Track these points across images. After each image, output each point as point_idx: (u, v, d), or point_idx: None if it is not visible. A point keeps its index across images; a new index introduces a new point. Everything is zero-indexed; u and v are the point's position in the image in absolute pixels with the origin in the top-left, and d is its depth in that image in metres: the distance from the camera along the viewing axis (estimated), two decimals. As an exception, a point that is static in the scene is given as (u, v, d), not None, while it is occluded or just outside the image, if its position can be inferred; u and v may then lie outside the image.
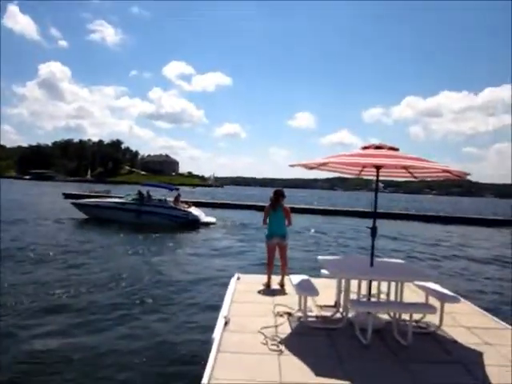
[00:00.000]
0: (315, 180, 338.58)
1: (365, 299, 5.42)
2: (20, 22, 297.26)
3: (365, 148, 5.23)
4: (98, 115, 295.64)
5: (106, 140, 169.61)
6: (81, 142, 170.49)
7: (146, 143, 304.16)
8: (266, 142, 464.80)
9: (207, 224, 22.63)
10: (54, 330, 6.63)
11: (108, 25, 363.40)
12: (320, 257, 5.95)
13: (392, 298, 5.33)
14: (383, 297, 5.60)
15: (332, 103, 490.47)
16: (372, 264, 5.35)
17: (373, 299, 5.50)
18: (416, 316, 4.90)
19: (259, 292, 6.56)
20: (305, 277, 5.86)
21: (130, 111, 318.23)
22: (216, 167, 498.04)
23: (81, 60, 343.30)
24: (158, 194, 23.06)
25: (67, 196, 33.75)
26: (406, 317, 4.83)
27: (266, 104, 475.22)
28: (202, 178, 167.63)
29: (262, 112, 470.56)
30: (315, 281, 5.96)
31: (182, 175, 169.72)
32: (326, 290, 5.94)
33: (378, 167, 5.41)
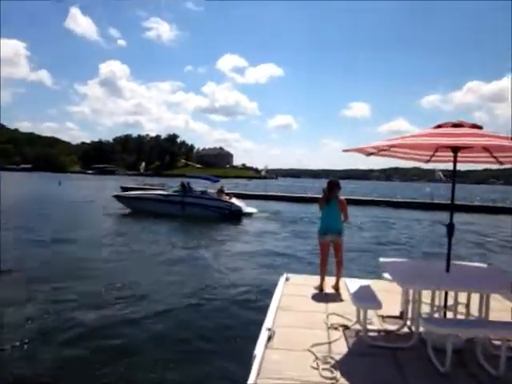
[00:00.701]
0: (371, 171, 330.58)
1: (438, 314, 4.49)
2: (81, 23, 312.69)
3: (438, 127, 4.22)
4: (155, 111, 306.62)
5: (163, 135, 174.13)
6: (139, 136, 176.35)
7: (202, 137, 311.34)
8: (319, 132, 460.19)
9: (249, 214, 22.60)
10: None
11: (163, 22, 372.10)
12: (382, 259, 5.08)
13: (474, 311, 4.36)
14: (462, 309, 4.59)
15: (387, 91, 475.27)
16: (448, 269, 4.37)
17: (449, 313, 4.53)
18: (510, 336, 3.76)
19: (311, 297, 5.74)
20: (363, 282, 5.06)
21: (185, 106, 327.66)
22: (269, 159, 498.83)
23: (138, 57, 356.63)
24: (200, 185, 22.99)
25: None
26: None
27: (318, 94, 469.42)
28: (256, 170, 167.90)
29: (314, 102, 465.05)
30: (376, 284, 5.16)
31: (235, 167, 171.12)
32: (389, 296, 5.05)
33: (455, 150, 4.35)
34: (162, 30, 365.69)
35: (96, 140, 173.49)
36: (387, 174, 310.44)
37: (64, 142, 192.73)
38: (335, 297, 5.75)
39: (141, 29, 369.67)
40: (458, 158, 4.44)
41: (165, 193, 22.96)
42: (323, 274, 6.04)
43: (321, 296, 5.78)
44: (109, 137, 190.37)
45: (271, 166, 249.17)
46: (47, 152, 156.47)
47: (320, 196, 6.19)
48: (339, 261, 6.06)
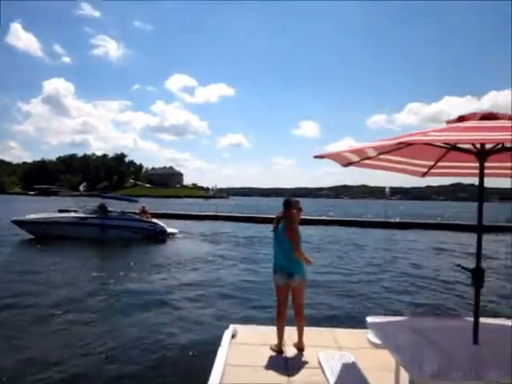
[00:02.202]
0: (320, 189, 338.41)
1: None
2: (23, 39, 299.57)
3: (461, 119, 3.01)
4: (103, 129, 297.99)
5: (111, 154, 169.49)
6: (85, 156, 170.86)
7: (151, 156, 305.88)
8: (270, 151, 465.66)
9: (172, 235, 21.77)
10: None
11: (110, 39, 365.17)
12: (370, 318, 3.49)
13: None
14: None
15: (335, 111, 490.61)
16: (476, 340, 2.85)
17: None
18: None
19: (266, 364, 4.27)
20: (344, 355, 3.97)
21: (133, 124, 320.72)
22: (220, 178, 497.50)
23: (84, 75, 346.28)
24: (117, 207, 21.90)
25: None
26: None
27: (268, 114, 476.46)
28: (207, 189, 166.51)
29: (265, 122, 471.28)
30: (364, 356, 4.17)
31: (186, 187, 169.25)
32: (383, 376, 3.67)
33: (483, 154, 2.98)
34: (109, 47, 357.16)
35: (39, 159, 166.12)
36: (337, 192, 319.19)
37: (4, 161, 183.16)
38: (299, 361, 4.37)
39: (87, 46, 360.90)
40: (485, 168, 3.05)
41: (81, 215, 20.67)
42: (280, 329, 4.57)
43: (279, 361, 4.37)
44: (54, 156, 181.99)
45: (223, 185, 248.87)
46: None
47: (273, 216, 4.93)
48: (298, 311, 4.63)
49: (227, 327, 5.09)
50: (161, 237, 20.90)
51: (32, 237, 19.94)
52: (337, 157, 3.54)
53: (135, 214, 21.93)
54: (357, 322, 6.14)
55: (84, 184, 22.50)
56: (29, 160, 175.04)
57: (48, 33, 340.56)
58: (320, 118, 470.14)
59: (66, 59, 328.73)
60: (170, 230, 21.79)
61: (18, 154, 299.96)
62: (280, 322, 4.59)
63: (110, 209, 21.04)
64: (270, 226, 4.80)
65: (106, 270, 12.57)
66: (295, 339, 4.66)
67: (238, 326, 5.21)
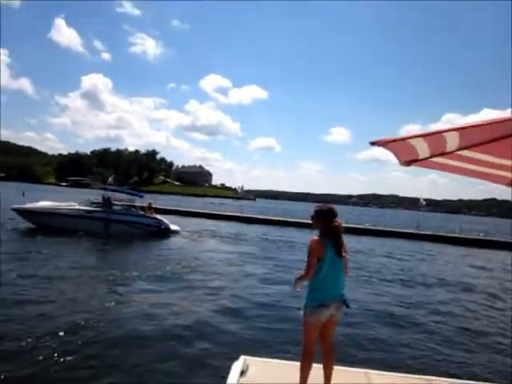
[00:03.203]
0: (349, 196, 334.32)
1: None
2: (65, 34, 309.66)
3: None
4: (137, 126, 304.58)
5: (143, 150, 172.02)
6: (118, 151, 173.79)
7: (182, 154, 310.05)
8: (299, 156, 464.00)
9: (176, 232, 21.40)
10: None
11: (149, 38, 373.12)
12: None
13: None
14: None
15: (368, 119, 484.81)
16: None
17: None
18: None
19: None
20: None
21: (167, 123, 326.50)
22: (250, 180, 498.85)
23: (122, 72, 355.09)
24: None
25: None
26: None
27: (300, 118, 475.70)
28: (235, 190, 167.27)
29: (296, 126, 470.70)
30: None
31: (215, 187, 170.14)
32: None
33: None
34: (147, 45, 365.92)
35: (73, 152, 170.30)
36: (365, 201, 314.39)
37: (41, 152, 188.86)
38: None
39: (126, 43, 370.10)
40: None
41: (86, 208, 19.92)
42: (305, 373, 3.58)
43: None
44: (89, 150, 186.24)
45: (251, 187, 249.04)
46: (22, 162, 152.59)
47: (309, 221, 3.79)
48: (331, 348, 3.74)
49: (235, 357, 4.27)
50: (165, 233, 20.68)
51: (33, 226, 19.16)
52: (400, 147, 2.51)
53: (141, 208, 21.65)
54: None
55: (112, 177, 22.36)
56: (64, 152, 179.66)
57: (89, 29, 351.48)
58: (352, 125, 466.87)
59: (106, 55, 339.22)
60: (173, 227, 21.58)
61: (54, 146, 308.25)
62: (306, 366, 3.59)
63: (115, 202, 20.67)
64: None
65: (101, 269, 11.89)
66: (320, 381, 3.67)
67: (250, 359, 4.27)
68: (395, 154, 2.67)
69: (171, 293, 9.48)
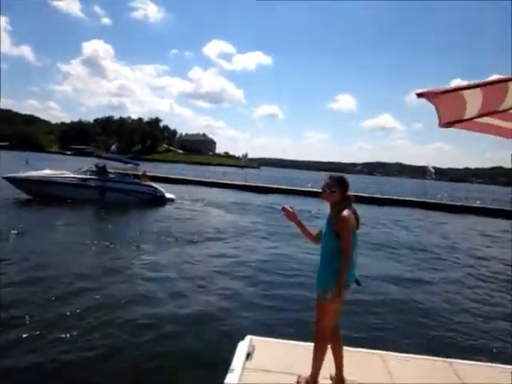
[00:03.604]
0: (353, 164, 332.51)
1: None
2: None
3: None
4: (140, 93, 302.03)
5: (146, 118, 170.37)
6: (121, 119, 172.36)
7: (186, 122, 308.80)
8: (304, 124, 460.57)
9: (171, 200, 21.30)
10: None
11: (150, 2, 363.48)
12: None
13: None
14: None
15: (374, 85, 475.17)
16: None
17: None
18: None
19: None
20: None
21: (170, 90, 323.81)
22: (253, 148, 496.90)
23: (123, 38, 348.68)
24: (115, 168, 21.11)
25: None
26: None
27: (305, 86, 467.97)
28: (239, 158, 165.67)
29: (301, 94, 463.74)
30: None
31: (218, 155, 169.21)
32: None
33: None
34: (149, 10, 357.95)
35: (76, 120, 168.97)
36: (370, 169, 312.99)
37: (43, 120, 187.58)
38: None
39: (127, 8, 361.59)
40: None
41: (81, 176, 19.44)
42: (322, 357, 3.21)
43: None
44: (91, 118, 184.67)
45: (255, 155, 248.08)
46: (25, 130, 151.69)
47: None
48: (336, 329, 3.39)
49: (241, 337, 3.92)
50: (161, 201, 20.51)
51: (29, 197, 18.41)
52: (449, 101, 2.09)
53: (136, 176, 21.55)
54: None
55: (115, 145, 22.01)
56: (67, 121, 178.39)
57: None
58: (358, 92, 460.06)
59: (106, 20, 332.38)
60: (168, 195, 21.40)
61: (56, 115, 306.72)
62: (326, 349, 3.23)
63: (110, 170, 20.39)
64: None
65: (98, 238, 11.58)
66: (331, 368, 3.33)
67: (256, 340, 3.90)
68: (439, 111, 2.29)
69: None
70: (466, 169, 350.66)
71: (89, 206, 17.63)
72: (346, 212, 3.10)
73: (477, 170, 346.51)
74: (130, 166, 21.64)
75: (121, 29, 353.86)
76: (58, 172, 19.62)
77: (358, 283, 3.25)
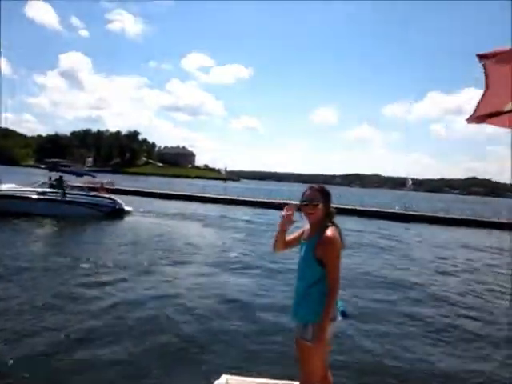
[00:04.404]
0: (333, 176, 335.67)
1: None
2: (41, 11, 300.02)
3: None
4: (118, 106, 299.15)
5: (125, 131, 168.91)
6: (99, 132, 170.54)
7: (165, 135, 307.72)
8: (284, 136, 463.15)
9: (129, 212, 20.89)
10: None
11: (128, 14, 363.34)
12: None
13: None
14: None
15: (353, 99, 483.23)
16: None
17: None
18: None
19: None
20: None
21: (149, 102, 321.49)
22: (233, 160, 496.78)
23: (101, 50, 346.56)
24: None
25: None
26: None
27: (285, 98, 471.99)
28: (218, 171, 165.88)
29: (281, 105, 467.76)
30: None
31: (198, 168, 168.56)
32: None
33: None
34: (126, 22, 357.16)
35: (52, 133, 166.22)
36: (349, 180, 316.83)
37: (19, 134, 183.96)
38: None
39: (105, 20, 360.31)
40: None
41: (37, 189, 18.61)
42: None
43: None
44: (69, 131, 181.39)
45: (235, 168, 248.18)
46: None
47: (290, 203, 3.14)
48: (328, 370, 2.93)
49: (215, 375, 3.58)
50: (119, 214, 20.07)
51: None
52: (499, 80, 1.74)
53: (93, 188, 21.13)
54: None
55: (90, 159, 21.48)
56: (43, 133, 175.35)
57: (66, 5, 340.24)
58: (337, 105, 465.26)
59: (84, 33, 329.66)
60: (126, 207, 21.03)
61: (33, 127, 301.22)
62: None
63: (68, 183, 19.98)
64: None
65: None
66: None
67: (233, 379, 3.56)
68: (482, 99, 1.97)
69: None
70: (442, 179, 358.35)
71: (45, 221, 16.88)
72: (330, 232, 2.58)
73: (452, 180, 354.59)
74: (87, 177, 21.62)
75: (99, 41, 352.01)
76: (14, 186, 18.79)
77: (345, 315, 2.78)
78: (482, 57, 1.62)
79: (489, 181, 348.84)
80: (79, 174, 21.45)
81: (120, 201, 20.71)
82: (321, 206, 2.70)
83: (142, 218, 20.18)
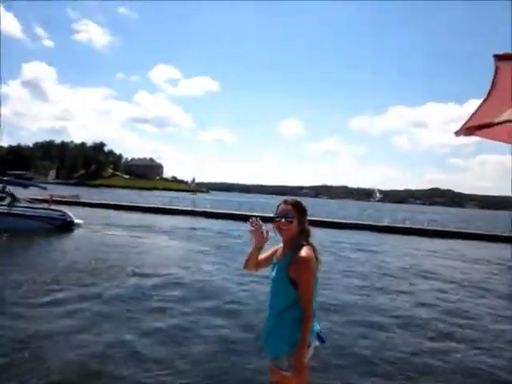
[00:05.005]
0: (300, 187, 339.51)
1: None
2: (3, 19, 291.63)
3: None
4: (84, 117, 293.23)
5: (91, 142, 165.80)
6: (63, 143, 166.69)
7: (132, 147, 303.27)
8: (252, 147, 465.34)
9: (78, 225, 19.86)
10: None
11: (94, 24, 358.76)
12: None
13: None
14: None
15: (320, 112, 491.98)
16: None
17: None
18: None
19: None
20: None
21: (115, 114, 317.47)
22: (202, 172, 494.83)
23: (67, 60, 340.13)
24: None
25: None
26: None
27: (252, 110, 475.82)
28: (186, 183, 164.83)
29: (248, 118, 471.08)
30: None
31: (166, 180, 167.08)
32: None
33: None
34: (93, 33, 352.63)
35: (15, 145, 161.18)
36: (316, 191, 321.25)
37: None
38: None
39: (71, 30, 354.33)
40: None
41: None
42: None
43: None
44: (33, 142, 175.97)
45: (204, 180, 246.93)
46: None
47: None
48: None
49: None
50: (69, 227, 19.11)
51: None
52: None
53: (43, 201, 20.53)
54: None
55: (53, 171, 20.63)
56: (5, 145, 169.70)
57: (29, 13, 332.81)
58: (304, 117, 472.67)
59: (48, 43, 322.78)
60: (76, 220, 20.10)
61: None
62: None
63: (17, 196, 18.61)
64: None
65: None
66: None
67: None
68: (477, 111, 1.88)
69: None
70: (407, 190, 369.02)
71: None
72: (305, 251, 2.37)
73: (416, 191, 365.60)
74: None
75: (64, 51, 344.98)
76: None
77: (322, 340, 2.57)
78: (500, 57, 1.38)
79: (450, 191, 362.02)
80: (24, 186, 20.27)
81: (71, 213, 19.89)
82: (295, 222, 2.49)
83: (92, 231, 19.11)
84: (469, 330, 6.94)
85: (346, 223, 29.26)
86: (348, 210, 54.48)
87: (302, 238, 2.48)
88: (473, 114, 1.93)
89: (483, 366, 5.34)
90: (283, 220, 2.47)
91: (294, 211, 2.49)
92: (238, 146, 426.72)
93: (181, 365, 4.82)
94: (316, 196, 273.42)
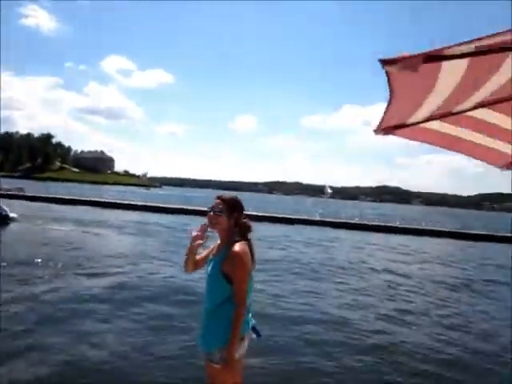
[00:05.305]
0: (255, 183, 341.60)
1: None
2: None
3: None
4: (30, 107, 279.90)
5: (37, 133, 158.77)
6: (7, 134, 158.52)
7: (83, 139, 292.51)
8: (206, 142, 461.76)
9: (13, 219, 19.38)
10: None
11: (42, 10, 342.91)
12: None
13: None
14: None
15: (274, 108, 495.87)
16: None
17: None
18: None
19: None
20: None
21: (64, 104, 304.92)
22: (156, 167, 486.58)
23: (11, 46, 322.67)
24: None
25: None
26: None
27: (206, 104, 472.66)
28: (139, 177, 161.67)
29: (203, 112, 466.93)
30: None
31: (117, 174, 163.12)
32: None
33: None
34: (40, 18, 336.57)
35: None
36: (270, 187, 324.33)
37: None
38: None
39: (16, 14, 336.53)
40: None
41: None
42: None
43: None
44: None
45: (157, 174, 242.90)
46: None
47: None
48: None
49: None
50: (3, 221, 18.49)
51: None
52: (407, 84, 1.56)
53: None
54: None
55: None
56: None
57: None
58: (258, 113, 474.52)
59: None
60: (11, 214, 19.65)
61: None
62: None
63: None
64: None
65: None
66: None
67: None
68: (388, 108, 1.79)
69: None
70: (357, 187, 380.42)
71: None
72: (238, 246, 2.42)
73: (366, 188, 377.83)
74: None
75: (8, 36, 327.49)
76: None
77: (258, 334, 2.64)
78: (385, 62, 1.32)
79: (398, 189, 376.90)
80: None
81: (5, 207, 19.41)
82: (224, 216, 2.52)
83: (32, 225, 18.20)
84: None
85: (296, 219, 30.02)
86: (302, 206, 55.48)
87: (238, 234, 2.51)
88: (384, 115, 1.93)
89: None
90: (211, 213, 2.53)
91: (224, 206, 2.52)
92: (191, 140, 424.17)
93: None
94: (270, 192, 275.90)
